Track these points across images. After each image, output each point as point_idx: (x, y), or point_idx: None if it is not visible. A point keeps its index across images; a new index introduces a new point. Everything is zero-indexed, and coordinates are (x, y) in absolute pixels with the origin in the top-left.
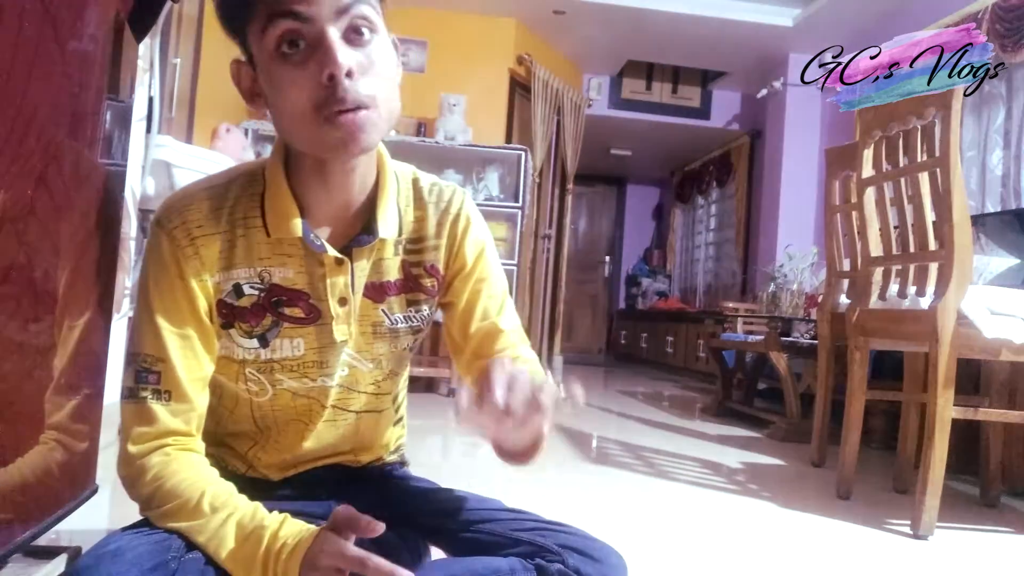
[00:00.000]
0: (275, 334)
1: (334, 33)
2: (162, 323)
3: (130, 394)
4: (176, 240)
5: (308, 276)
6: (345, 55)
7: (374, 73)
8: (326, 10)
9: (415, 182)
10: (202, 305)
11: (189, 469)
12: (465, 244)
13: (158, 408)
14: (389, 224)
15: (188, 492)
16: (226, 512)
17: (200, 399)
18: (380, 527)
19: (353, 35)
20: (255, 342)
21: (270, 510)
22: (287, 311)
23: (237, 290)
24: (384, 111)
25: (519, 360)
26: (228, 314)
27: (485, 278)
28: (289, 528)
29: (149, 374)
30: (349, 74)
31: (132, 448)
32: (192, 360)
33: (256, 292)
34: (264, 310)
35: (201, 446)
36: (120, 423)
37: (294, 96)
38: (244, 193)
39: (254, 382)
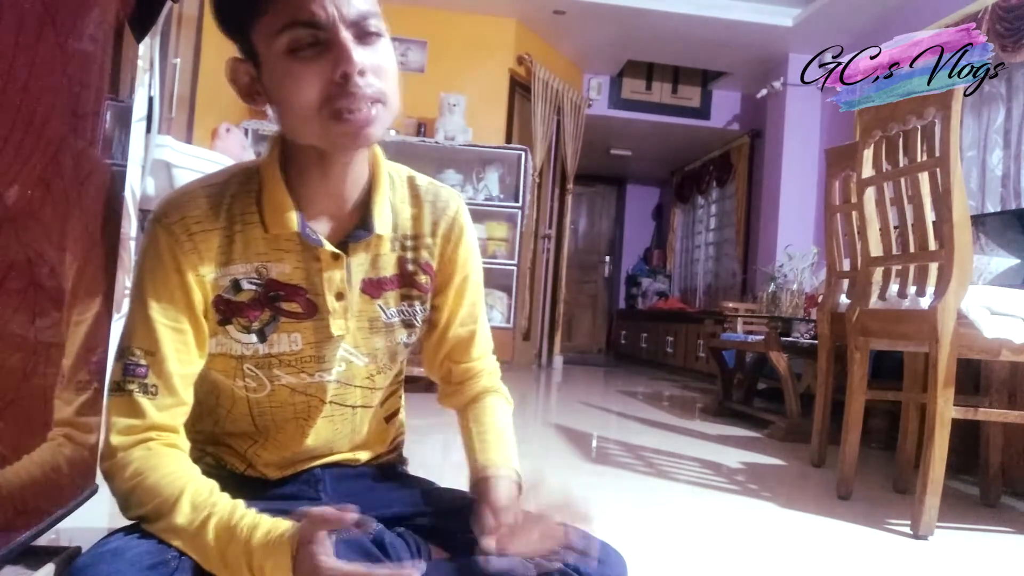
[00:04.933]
0: (273, 329)
1: (348, 35)
2: (156, 317)
3: (117, 387)
4: (175, 235)
5: (305, 271)
6: (359, 54)
7: (383, 72)
8: (341, 17)
9: (411, 180)
10: (197, 301)
11: (170, 466)
12: (458, 252)
13: (144, 402)
14: (384, 220)
15: (167, 491)
16: (204, 515)
17: (187, 395)
18: (353, 517)
19: (365, 36)
20: (253, 337)
21: (267, 511)
22: (285, 306)
23: (235, 285)
24: (391, 107)
25: (490, 392)
26: (225, 310)
27: (469, 287)
28: (264, 541)
29: (138, 367)
30: (362, 72)
31: (115, 440)
32: (184, 355)
33: (254, 287)
34: (262, 305)
35: (185, 443)
36: (104, 416)
37: (305, 92)
38: (241, 190)
39: (252, 378)
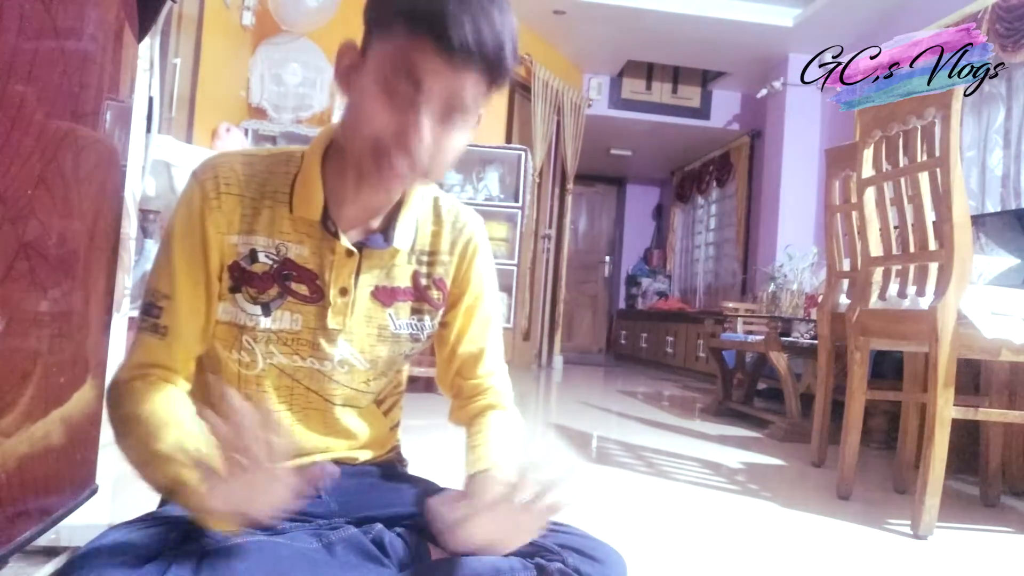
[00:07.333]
0: (278, 305)
1: (430, 113)
2: (177, 264)
3: (137, 325)
4: (205, 191)
5: (320, 259)
6: (427, 134)
7: (443, 153)
8: (441, 93)
9: (436, 200)
10: (215, 260)
11: (162, 400)
12: (472, 270)
13: (153, 341)
14: (404, 236)
15: (151, 422)
16: (186, 447)
17: (194, 344)
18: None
19: (445, 117)
20: (258, 309)
21: None
22: (294, 286)
23: (252, 255)
24: (427, 178)
25: (495, 408)
26: (238, 278)
27: (480, 305)
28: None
29: (153, 308)
30: (420, 141)
31: (120, 373)
32: (197, 303)
33: (270, 262)
34: (273, 280)
35: (185, 385)
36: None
37: (371, 118)
38: (279, 169)
39: (247, 352)
